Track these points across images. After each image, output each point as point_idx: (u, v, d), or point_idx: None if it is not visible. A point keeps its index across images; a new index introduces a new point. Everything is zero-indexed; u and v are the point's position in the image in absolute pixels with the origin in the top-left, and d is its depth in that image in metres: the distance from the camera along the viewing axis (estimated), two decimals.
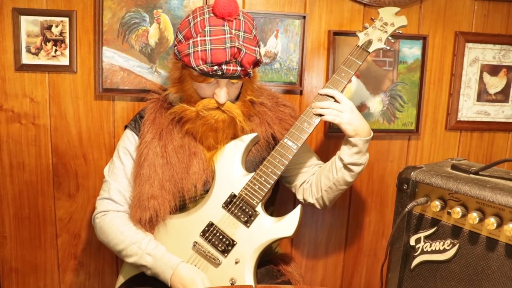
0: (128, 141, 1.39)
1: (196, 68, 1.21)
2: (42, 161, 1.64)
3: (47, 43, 1.56)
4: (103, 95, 1.61)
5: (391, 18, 1.38)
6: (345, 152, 1.34)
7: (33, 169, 1.64)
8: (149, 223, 1.32)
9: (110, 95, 1.62)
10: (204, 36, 1.21)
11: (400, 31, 1.40)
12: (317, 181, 1.42)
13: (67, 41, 1.57)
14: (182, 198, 1.34)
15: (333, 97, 1.33)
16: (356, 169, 1.35)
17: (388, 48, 1.39)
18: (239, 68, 1.23)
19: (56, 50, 1.57)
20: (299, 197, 1.48)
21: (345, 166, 1.35)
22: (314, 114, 1.33)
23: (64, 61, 1.58)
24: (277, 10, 1.67)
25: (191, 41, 1.22)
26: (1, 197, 1.64)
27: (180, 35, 1.27)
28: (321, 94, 1.35)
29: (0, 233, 1.66)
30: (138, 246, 1.28)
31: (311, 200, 1.43)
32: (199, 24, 1.23)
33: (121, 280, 1.41)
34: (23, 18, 1.53)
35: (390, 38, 1.39)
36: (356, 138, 1.32)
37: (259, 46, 1.30)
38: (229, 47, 1.20)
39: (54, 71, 1.58)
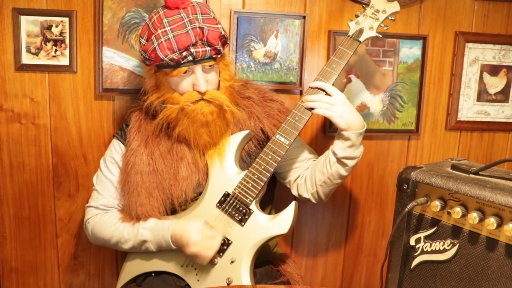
0: (115, 150, 1.40)
1: (165, 58, 1.20)
2: (42, 161, 1.64)
3: (47, 43, 1.56)
4: (103, 95, 1.61)
5: (383, 5, 1.35)
6: (338, 146, 1.32)
7: (33, 169, 1.64)
8: None
9: (110, 95, 1.62)
10: (164, 27, 1.21)
11: (393, 18, 1.36)
12: (311, 176, 1.40)
13: (67, 41, 1.57)
14: (172, 204, 1.34)
15: (324, 90, 1.32)
16: (350, 163, 1.33)
17: (380, 36, 1.36)
18: (208, 48, 1.23)
19: (56, 50, 1.57)
20: (294, 192, 1.47)
21: (339, 160, 1.32)
22: (305, 108, 1.31)
23: (64, 61, 1.58)
24: (277, 10, 1.67)
25: (153, 36, 1.22)
26: (1, 197, 1.64)
27: (142, 40, 1.27)
28: (312, 88, 1.33)
29: (0, 233, 1.66)
30: (132, 227, 1.31)
31: (306, 195, 1.42)
32: (156, 21, 1.24)
33: (121, 281, 1.41)
34: (23, 18, 1.53)
35: (382, 25, 1.35)
36: (348, 132, 1.29)
37: (221, 26, 1.29)
38: (190, 29, 1.21)
39: (54, 71, 1.58)
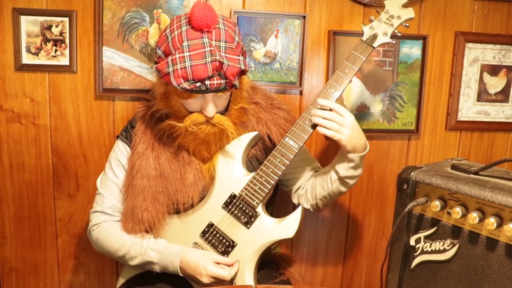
0: (120, 152, 1.37)
1: (178, 87, 1.15)
2: (42, 161, 1.64)
3: (47, 43, 1.56)
4: (103, 95, 1.61)
5: (398, 10, 1.31)
6: (341, 166, 1.32)
7: (33, 169, 1.64)
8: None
9: (110, 95, 1.62)
10: (183, 52, 1.15)
11: (407, 24, 1.33)
12: (312, 189, 1.42)
13: (67, 41, 1.57)
14: (177, 209, 1.33)
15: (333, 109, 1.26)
16: (351, 181, 1.34)
17: (394, 42, 1.33)
18: (223, 81, 1.17)
19: (56, 50, 1.57)
20: (295, 201, 1.49)
21: (340, 179, 1.33)
22: (314, 123, 1.27)
23: (64, 61, 1.58)
24: (277, 10, 1.67)
25: (169, 58, 1.16)
26: (1, 197, 1.64)
27: (159, 51, 1.21)
28: (321, 105, 1.27)
29: (0, 233, 1.66)
30: (140, 245, 1.28)
31: (306, 205, 1.44)
32: (177, 39, 1.17)
33: (121, 280, 1.41)
34: (23, 18, 1.53)
35: (396, 31, 1.32)
36: (353, 154, 1.29)
37: (243, 54, 1.25)
38: (210, 61, 1.14)
39: (54, 71, 1.58)
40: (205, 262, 1.22)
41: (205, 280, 1.22)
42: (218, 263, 1.24)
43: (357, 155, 1.29)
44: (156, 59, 1.24)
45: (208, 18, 1.16)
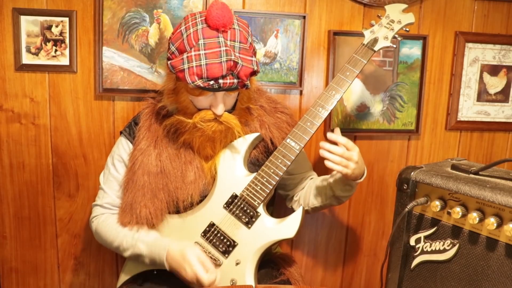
0: (123, 149, 1.39)
1: (192, 84, 1.17)
2: (42, 161, 1.64)
3: (47, 43, 1.56)
4: (103, 95, 1.61)
5: (398, 15, 1.34)
6: (338, 187, 1.38)
7: (33, 169, 1.64)
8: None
9: (110, 95, 1.62)
10: (199, 50, 1.16)
11: (407, 29, 1.36)
12: (305, 197, 1.47)
13: (67, 41, 1.57)
14: (177, 206, 1.33)
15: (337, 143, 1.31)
16: (345, 199, 1.42)
17: (394, 46, 1.35)
18: (236, 80, 1.19)
19: (56, 50, 1.57)
20: (288, 205, 1.55)
21: (335, 197, 1.40)
22: (319, 115, 1.30)
23: (64, 61, 1.58)
24: (277, 10, 1.67)
25: (185, 55, 1.18)
26: (1, 197, 1.64)
27: (172, 47, 1.22)
28: (331, 139, 1.31)
29: (0, 233, 1.66)
30: (131, 237, 1.30)
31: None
32: (192, 37, 1.18)
33: (122, 279, 1.41)
34: (23, 18, 1.53)
35: (396, 36, 1.34)
36: (352, 181, 1.35)
37: (255, 55, 1.27)
38: (225, 60, 1.16)
39: (54, 71, 1.58)
40: (189, 256, 1.22)
41: (188, 275, 1.21)
42: (202, 261, 1.23)
43: (355, 182, 1.36)
44: (169, 55, 1.25)
45: (225, 19, 1.18)
